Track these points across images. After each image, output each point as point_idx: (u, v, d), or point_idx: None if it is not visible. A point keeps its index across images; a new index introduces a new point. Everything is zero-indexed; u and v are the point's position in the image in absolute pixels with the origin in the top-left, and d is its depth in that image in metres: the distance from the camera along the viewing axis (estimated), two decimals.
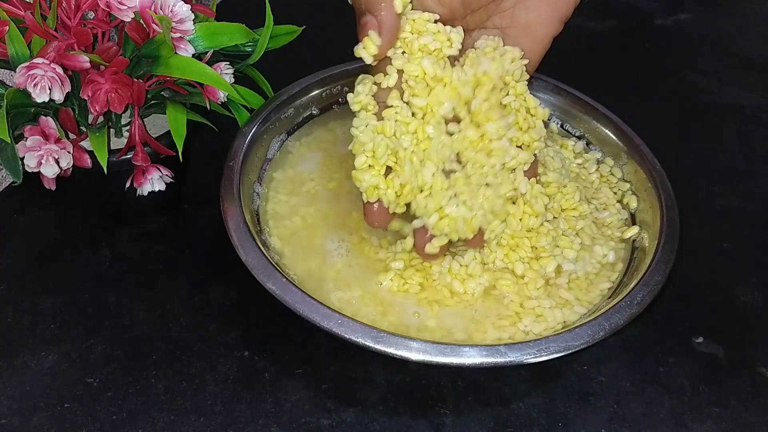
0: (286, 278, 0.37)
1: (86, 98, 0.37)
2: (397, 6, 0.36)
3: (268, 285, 0.36)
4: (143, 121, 0.41)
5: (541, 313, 0.39)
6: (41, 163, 0.37)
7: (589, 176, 0.47)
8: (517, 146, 0.39)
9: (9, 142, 0.36)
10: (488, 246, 0.40)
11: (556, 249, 0.41)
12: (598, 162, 0.48)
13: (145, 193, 0.42)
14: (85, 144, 0.40)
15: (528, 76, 0.40)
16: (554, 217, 0.43)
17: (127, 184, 0.41)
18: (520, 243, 0.41)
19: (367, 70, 0.38)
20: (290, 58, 0.48)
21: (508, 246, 0.41)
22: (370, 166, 0.38)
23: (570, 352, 0.35)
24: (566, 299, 0.40)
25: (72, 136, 0.40)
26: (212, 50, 0.41)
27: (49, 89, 0.36)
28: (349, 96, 0.38)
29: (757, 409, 0.39)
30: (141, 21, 0.38)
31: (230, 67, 0.42)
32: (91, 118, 0.41)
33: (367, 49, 0.36)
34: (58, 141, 0.38)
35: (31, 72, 0.35)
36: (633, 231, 0.43)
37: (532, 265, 0.41)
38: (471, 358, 0.34)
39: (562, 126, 0.51)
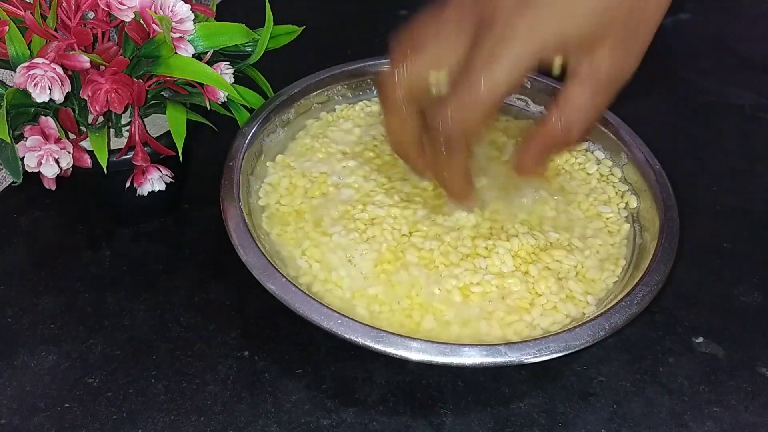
0: (286, 278, 0.37)
1: (86, 98, 0.37)
2: None
3: (268, 285, 0.36)
4: (143, 121, 0.41)
5: (548, 306, 0.39)
6: (41, 163, 0.37)
7: (589, 176, 0.47)
8: None
9: (9, 142, 0.36)
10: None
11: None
12: (598, 162, 0.48)
13: (145, 193, 0.42)
14: (85, 144, 0.40)
15: None
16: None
17: (127, 184, 0.41)
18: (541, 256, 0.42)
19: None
20: (290, 58, 0.48)
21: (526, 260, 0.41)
22: None
23: (570, 352, 0.35)
24: (573, 293, 0.40)
25: (72, 136, 0.40)
26: (212, 50, 0.41)
27: (49, 89, 0.36)
28: None
29: (757, 409, 0.39)
30: (141, 21, 0.38)
31: (230, 67, 0.42)
32: (91, 118, 0.41)
33: None
34: (58, 141, 0.38)
35: (31, 72, 0.35)
36: (625, 228, 0.44)
37: (542, 257, 0.41)
38: (471, 358, 0.34)
39: None
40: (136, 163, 0.40)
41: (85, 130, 0.40)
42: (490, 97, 0.34)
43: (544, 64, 0.34)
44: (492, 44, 0.33)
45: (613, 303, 0.37)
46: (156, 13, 0.37)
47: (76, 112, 0.40)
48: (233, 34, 0.41)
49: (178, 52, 0.39)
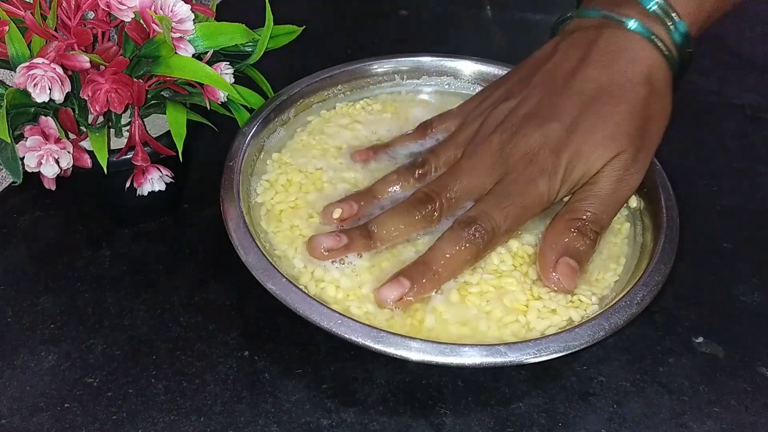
0: (286, 278, 0.37)
1: (86, 98, 0.37)
2: None
3: (268, 285, 0.36)
4: (143, 121, 0.41)
5: (547, 307, 0.39)
6: (41, 163, 0.37)
7: None
8: None
9: (9, 142, 0.36)
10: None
11: None
12: None
13: (145, 193, 0.42)
14: (85, 144, 0.40)
15: None
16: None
17: (127, 184, 0.41)
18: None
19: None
20: (290, 58, 0.48)
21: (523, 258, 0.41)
22: None
23: (570, 352, 0.35)
24: (574, 293, 0.40)
25: (72, 136, 0.40)
26: (212, 50, 0.41)
27: (49, 89, 0.36)
28: None
29: (757, 409, 0.39)
30: (141, 21, 0.38)
31: (230, 67, 0.42)
32: (91, 118, 0.41)
33: None
34: (58, 141, 0.38)
35: (31, 72, 0.35)
36: (626, 227, 0.44)
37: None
38: (471, 358, 0.34)
39: None
40: (136, 163, 0.40)
41: (85, 130, 0.40)
42: (536, 206, 0.41)
43: None
44: (533, 175, 0.40)
45: (613, 303, 0.37)
46: (156, 13, 0.37)
47: (76, 112, 0.40)
48: (233, 34, 0.41)
49: (178, 52, 0.39)
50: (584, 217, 0.40)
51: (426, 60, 0.52)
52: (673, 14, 0.42)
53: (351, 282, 0.39)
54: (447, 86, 0.54)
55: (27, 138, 0.37)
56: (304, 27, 0.46)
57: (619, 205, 0.42)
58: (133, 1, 0.37)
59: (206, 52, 0.41)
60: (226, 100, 0.42)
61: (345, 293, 0.39)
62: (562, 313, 0.39)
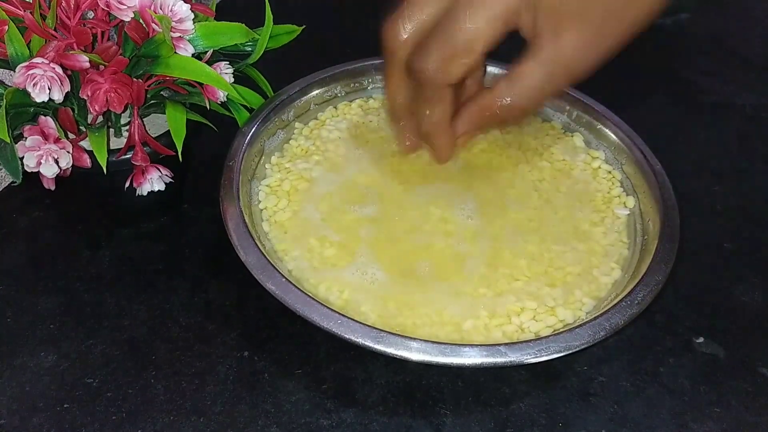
0: (286, 278, 0.37)
1: (86, 98, 0.37)
2: None
3: (268, 285, 0.36)
4: (143, 121, 0.41)
5: (545, 307, 0.39)
6: (41, 163, 0.37)
7: (589, 177, 0.47)
8: None
9: (8, 141, 0.36)
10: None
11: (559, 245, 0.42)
12: (599, 163, 0.48)
13: (145, 193, 0.42)
14: (85, 144, 0.40)
15: None
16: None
17: (127, 184, 0.41)
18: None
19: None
20: (290, 57, 0.48)
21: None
22: None
23: (570, 352, 0.35)
24: (572, 294, 0.40)
25: (71, 135, 0.40)
26: (212, 50, 0.41)
27: (49, 89, 0.36)
28: None
29: (757, 409, 0.39)
30: (140, 20, 0.38)
31: (230, 66, 0.42)
32: (90, 117, 0.41)
33: None
34: (57, 141, 0.38)
35: (30, 72, 0.35)
36: (625, 228, 0.44)
37: (541, 257, 0.41)
38: (471, 358, 0.34)
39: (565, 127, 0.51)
40: (135, 163, 0.40)
41: (84, 129, 0.40)
42: (468, 44, 0.34)
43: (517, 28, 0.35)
44: None
45: (613, 303, 0.37)
46: (156, 13, 0.37)
47: (76, 111, 0.40)
48: (233, 33, 0.41)
49: (177, 51, 0.39)
50: (516, 105, 0.36)
51: None
52: None
53: (356, 282, 0.39)
54: None
55: (26, 138, 0.37)
56: (303, 27, 0.46)
57: (573, 78, 0.35)
58: (132, 0, 0.37)
59: (206, 52, 0.41)
60: (225, 99, 0.42)
61: (349, 295, 0.39)
62: (560, 309, 0.39)
